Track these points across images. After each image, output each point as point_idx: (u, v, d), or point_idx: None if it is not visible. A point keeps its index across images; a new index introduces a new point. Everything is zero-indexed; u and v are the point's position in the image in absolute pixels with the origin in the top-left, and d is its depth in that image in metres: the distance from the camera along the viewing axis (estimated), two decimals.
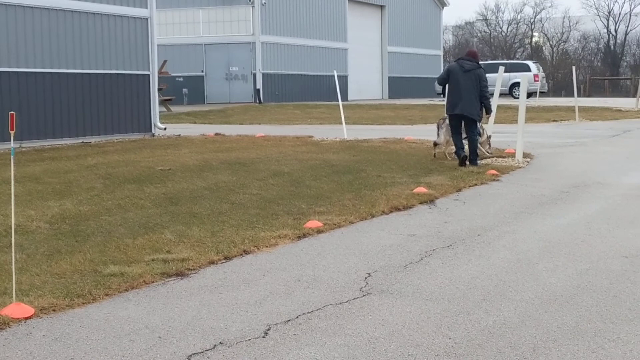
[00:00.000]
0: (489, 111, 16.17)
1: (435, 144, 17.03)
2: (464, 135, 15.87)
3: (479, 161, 15.89)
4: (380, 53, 53.57)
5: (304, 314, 6.63)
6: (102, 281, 7.43)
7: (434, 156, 16.81)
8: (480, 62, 16.20)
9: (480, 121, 16.06)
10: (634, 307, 6.74)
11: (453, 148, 16.08)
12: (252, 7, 41.80)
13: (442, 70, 27.34)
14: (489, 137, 17.47)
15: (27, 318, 6.46)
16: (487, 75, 16.12)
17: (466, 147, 15.72)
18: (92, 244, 9.03)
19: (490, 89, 16.47)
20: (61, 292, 7.08)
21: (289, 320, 6.47)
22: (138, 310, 6.76)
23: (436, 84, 16.78)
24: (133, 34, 22.63)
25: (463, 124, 15.89)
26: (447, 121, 16.29)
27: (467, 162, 15.57)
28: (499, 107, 20.23)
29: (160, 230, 9.76)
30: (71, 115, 21.02)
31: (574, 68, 33.90)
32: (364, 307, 6.81)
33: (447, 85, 16.03)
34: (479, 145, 16.34)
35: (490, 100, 16.45)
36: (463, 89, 15.57)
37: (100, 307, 6.81)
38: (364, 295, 7.12)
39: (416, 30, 56.49)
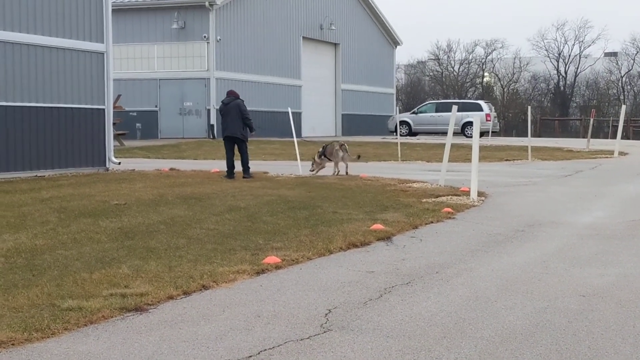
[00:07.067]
0: (252, 130, 21.03)
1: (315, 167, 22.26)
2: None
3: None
4: (334, 90, 53.76)
5: (265, 349, 6.62)
6: (60, 315, 7.36)
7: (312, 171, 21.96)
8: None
9: (246, 140, 21.03)
10: (593, 345, 6.79)
11: (340, 166, 22.09)
12: (207, 43, 41.83)
13: (395, 108, 27.65)
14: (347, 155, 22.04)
15: None
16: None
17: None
18: (49, 277, 8.95)
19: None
20: (19, 326, 7.01)
21: (250, 356, 6.45)
22: (98, 345, 6.71)
23: None
24: (89, 68, 22.57)
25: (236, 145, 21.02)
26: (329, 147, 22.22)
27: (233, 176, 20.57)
28: (452, 145, 20.35)
29: (117, 264, 9.70)
30: (25, 149, 20.86)
31: (529, 108, 34.13)
32: (325, 343, 6.80)
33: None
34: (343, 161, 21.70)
35: (252, 122, 21.17)
36: (227, 118, 20.86)
37: (60, 342, 6.75)
38: (324, 332, 7.12)
39: (369, 69, 56.80)
